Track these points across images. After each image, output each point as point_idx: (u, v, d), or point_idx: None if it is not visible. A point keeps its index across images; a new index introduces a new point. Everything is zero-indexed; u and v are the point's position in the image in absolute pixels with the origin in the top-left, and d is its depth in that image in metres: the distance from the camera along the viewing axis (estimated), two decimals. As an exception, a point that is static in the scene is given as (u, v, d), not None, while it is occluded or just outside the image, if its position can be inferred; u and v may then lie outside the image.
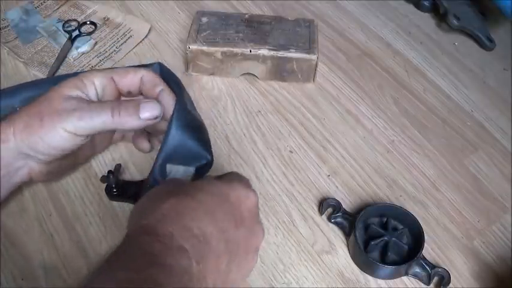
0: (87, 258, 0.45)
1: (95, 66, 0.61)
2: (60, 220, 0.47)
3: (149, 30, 0.65)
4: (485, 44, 0.66)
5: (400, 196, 0.51)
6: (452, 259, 0.47)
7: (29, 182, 0.47)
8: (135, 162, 0.52)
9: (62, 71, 0.60)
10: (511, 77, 0.64)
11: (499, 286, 0.45)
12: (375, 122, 0.58)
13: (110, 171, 0.47)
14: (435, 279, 0.45)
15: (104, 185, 0.48)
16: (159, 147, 0.46)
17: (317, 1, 0.72)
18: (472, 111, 0.60)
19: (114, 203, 0.48)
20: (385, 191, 0.51)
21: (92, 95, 0.44)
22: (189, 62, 0.60)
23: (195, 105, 0.56)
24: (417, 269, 0.45)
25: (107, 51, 0.63)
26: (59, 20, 0.66)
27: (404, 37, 0.68)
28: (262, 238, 0.38)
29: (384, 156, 0.54)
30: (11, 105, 0.52)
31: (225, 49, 0.58)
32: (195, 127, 0.48)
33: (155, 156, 0.46)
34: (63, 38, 0.63)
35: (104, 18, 0.67)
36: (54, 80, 0.56)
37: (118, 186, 0.48)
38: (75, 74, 0.50)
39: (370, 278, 0.45)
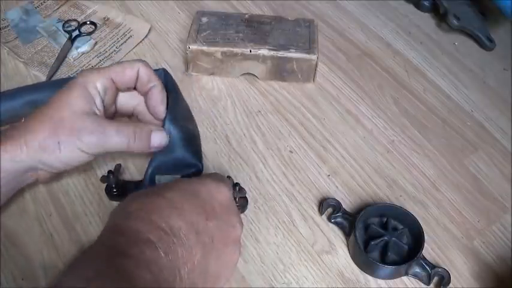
0: (87, 258, 0.45)
1: (95, 66, 0.61)
2: (60, 220, 0.47)
3: (149, 30, 0.65)
4: (485, 44, 0.66)
5: (400, 196, 0.51)
6: (452, 259, 0.47)
7: (31, 183, 0.47)
8: (135, 162, 0.52)
9: (62, 71, 0.60)
10: (511, 77, 0.64)
11: (499, 286, 0.45)
12: (375, 122, 0.58)
13: (110, 171, 0.47)
14: (435, 279, 0.45)
15: (104, 185, 0.48)
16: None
17: (317, 1, 0.72)
18: (472, 111, 0.60)
19: (114, 203, 0.48)
20: (385, 191, 0.51)
21: (99, 104, 0.44)
22: (189, 62, 0.60)
23: (195, 105, 0.57)
24: (417, 269, 0.45)
25: (107, 51, 0.63)
26: (59, 20, 0.66)
27: (404, 37, 0.68)
28: (240, 230, 0.39)
29: (384, 156, 0.54)
30: (12, 108, 0.52)
31: (225, 49, 0.58)
32: (186, 138, 0.48)
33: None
34: (63, 38, 0.63)
35: (104, 18, 0.67)
36: (56, 83, 0.56)
37: (118, 186, 0.48)
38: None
39: (370, 278, 0.45)
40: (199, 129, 0.54)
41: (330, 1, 0.72)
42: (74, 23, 0.66)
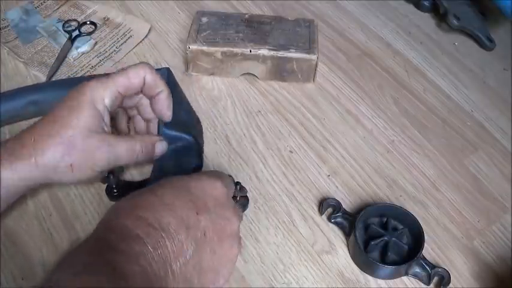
0: (87, 258, 0.45)
1: (95, 66, 0.61)
2: (60, 219, 0.47)
3: (149, 30, 0.65)
4: (485, 44, 0.66)
5: (400, 196, 0.51)
6: (452, 259, 0.47)
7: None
8: (138, 166, 0.52)
9: (62, 71, 0.60)
10: (511, 77, 0.64)
11: (499, 286, 0.45)
12: (375, 122, 0.58)
13: (110, 172, 0.47)
14: (435, 279, 0.45)
15: (104, 186, 0.48)
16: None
17: (317, 1, 0.72)
18: (472, 111, 0.60)
19: (112, 203, 0.48)
20: (385, 191, 0.51)
21: (107, 120, 0.44)
22: (189, 62, 0.60)
23: (195, 105, 0.57)
24: (417, 269, 0.45)
25: (107, 51, 0.63)
26: (59, 20, 0.66)
27: (404, 37, 0.68)
28: (236, 224, 0.39)
29: (384, 156, 0.54)
30: (14, 108, 0.52)
31: (225, 49, 0.58)
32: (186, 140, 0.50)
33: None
34: (63, 38, 0.63)
35: (104, 18, 0.67)
36: (57, 83, 0.57)
37: (119, 187, 0.48)
38: (80, 79, 0.50)
39: (370, 278, 0.45)
40: (200, 129, 0.54)
41: (330, 1, 0.72)
42: (74, 23, 0.66)
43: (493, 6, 0.65)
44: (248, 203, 0.48)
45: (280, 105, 0.58)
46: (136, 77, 0.45)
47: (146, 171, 0.50)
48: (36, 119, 0.44)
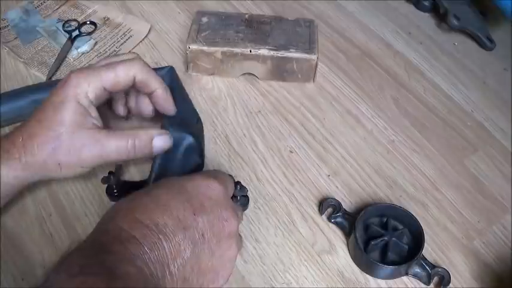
0: (87, 258, 0.45)
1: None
2: (60, 220, 0.47)
3: (149, 30, 0.65)
4: (485, 44, 0.66)
5: (400, 196, 0.51)
6: (452, 259, 0.47)
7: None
8: (136, 162, 0.52)
9: (62, 71, 0.60)
10: (511, 77, 0.64)
11: (499, 286, 0.45)
12: (375, 122, 0.58)
13: (110, 172, 0.47)
14: (435, 279, 0.45)
15: (104, 186, 0.48)
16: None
17: (317, 1, 0.72)
18: (472, 111, 0.60)
19: (112, 203, 0.48)
20: (385, 191, 0.51)
21: (94, 113, 0.43)
22: (189, 62, 0.60)
23: (195, 105, 0.57)
24: (417, 269, 0.45)
25: (107, 51, 0.63)
26: (59, 20, 0.66)
27: (404, 37, 0.68)
28: (235, 224, 0.39)
29: (384, 156, 0.54)
30: (18, 107, 0.53)
31: (225, 49, 0.58)
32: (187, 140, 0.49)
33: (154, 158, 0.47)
34: (63, 38, 0.63)
35: (104, 18, 0.67)
36: None
37: (119, 187, 0.48)
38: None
39: (370, 278, 0.45)
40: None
41: (330, 1, 0.72)
42: (74, 23, 0.66)
43: (493, 6, 0.65)
44: (248, 202, 0.48)
45: (280, 105, 0.58)
46: (125, 75, 0.43)
47: (147, 171, 0.50)
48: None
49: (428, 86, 0.62)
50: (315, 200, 0.50)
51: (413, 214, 0.46)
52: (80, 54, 0.62)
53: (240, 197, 0.46)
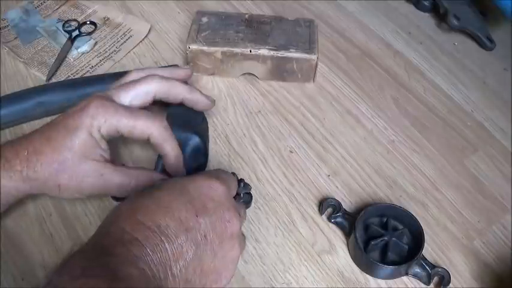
0: (87, 258, 0.45)
1: (95, 66, 0.61)
2: (60, 220, 0.47)
3: (149, 30, 0.65)
4: (485, 44, 0.66)
5: (400, 196, 0.51)
6: (452, 259, 0.47)
7: None
8: (135, 161, 0.52)
9: (62, 71, 0.60)
10: (511, 77, 0.64)
11: (499, 286, 0.45)
12: (375, 122, 0.58)
13: None
14: (435, 279, 0.45)
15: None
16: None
17: (317, 1, 0.72)
18: (472, 111, 0.60)
19: (114, 203, 0.48)
20: (385, 191, 0.51)
21: (104, 146, 0.44)
22: (189, 62, 0.60)
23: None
24: (417, 269, 0.45)
25: (107, 51, 0.63)
26: (59, 20, 0.66)
27: (404, 37, 0.68)
28: (237, 225, 0.39)
29: (383, 156, 0.54)
30: (23, 109, 0.53)
31: (225, 49, 0.58)
32: (192, 143, 0.49)
33: (154, 156, 0.47)
34: (63, 38, 0.63)
35: (104, 18, 0.67)
36: (64, 84, 0.57)
37: None
38: (89, 79, 0.51)
39: (370, 278, 0.45)
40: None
41: (330, 1, 0.72)
42: (74, 23, 0.66)
43: (493, 6, 0.65)
44: (252, 199, 0.48)
45: (280, 105, 0.58)
46: (141, 132, 0.44)
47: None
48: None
49: (428, 86, 0.62)
50: (315, 200, 0.50)
51: (413, 214, 0.46)
52: (80, 54, 0.62)
53: (243, 194, 0.46)
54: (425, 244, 0.44)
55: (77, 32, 0.64)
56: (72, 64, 0.61)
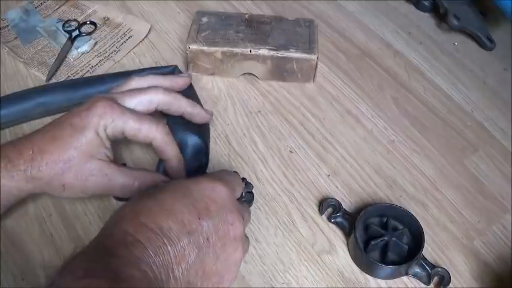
0: (87, 258, 0.45)
1: (95, 66, 0.61)
2: (60, 220, 0.47)
3: (149, 30, 0.65)
4: (485, 44, 0.66)
5: (400, 196, 0.51)
6: (452, 259, 0.47)
7: None
8: (136, 162, 0.52)
9: (62, 71, 0.60)
10: (511, 77, 0.64)
11: (499, 286, 0.45)
12: (375, 122, 0.58)
13: None
14: (435, 279, 0.45)
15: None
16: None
17: (317, 1, 0.72)
18: (472, 111, 0.60)
19: (114, 202, 0.48)
20: (385, 191, 0.51)
21: (109, 146, 0.44)
22: (189, 62, 0.60)
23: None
24: (417, 269, 0.45)
25: (107, 51, 0.63)
26: (59, 20, 0.66)
27: (404, 37, 0.68)
28: (240, 228, 0.38)
29: (384, 156, 0.54)
30: (24, 109, 0.53)
31: (225, 49, 0.58)
32: (194, 145, 0.50)
33: (153, 156, 0.46)
34: (63, 38, 0.63)
35: (104, 18, 0.67)
36: (65, 84, 0.57)
37: None
38: (89, 79, 0.52)
39: (370, 278, 0.45)
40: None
41: (330, 1, 0.72)
42: (74, 23, 0.66)
43: (493, 6, 0.65)
44: (253, 198, 0.48)
45: (280, 105, 0.58)
46: (145, 136, 0.45)
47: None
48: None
49: (428, 86, 0.62)
50: (315, 200, 0.50)
51: (413, 214, 0.46)
52: (80, 54, 0.62)
53: (245, 194, 0.46)
54: (425, 244, 0.44)
55: (77, 32, 0.64)
56: (72, 64, 0.61)
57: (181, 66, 0.61)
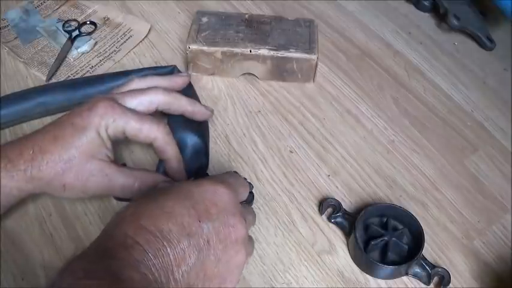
0: (87, 258, 0.45)
1: (95, 66, 0.61)
2: (60, 220, 0.47)
3: (149, 30, 0.65)
4: (485, 44, 0.66)
5: (400, 196, 0.51)
6: (452, 259, 0.47)
7: None
8: (136, 161, 0.52)
9: (62, 71, 0.60)
10: (511, 77, 0.64)
11: (499, 286, 0.45)
12: (375, 122, 0.58)
13: None
14: (435, 279, 0.45)
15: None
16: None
17: (317, 1, 0.72)
18: (472, 111, 0.60)
19: (114, 202, 0.48)
20: (385, 191, 0.51)
21: (109, 146, 0.44)
22: (189, 62, 0.60)
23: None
24: (417, 269, 0.45)
25: (107, 51, 0.63)
26: (59, 20, 0.66)
27: (404, 37, 0.68)
28: (242, 230, 0.38)
29: (384, 156, 0.54)
30: (24, 109, 0.53)
31: (225, 49, 0.58)
32: (193, 145, 0.50)
33: (153, 156, 0.46)
34: (63, 38, 0.63)
35: (104, 18, 0.67)
36: (65, 84, 0.57)
37: None
38: (88, 79, 0.52)
39: (370, 278, 0.45)
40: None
41: (330, 1, 0.72)
42: (74, 23, 0.66)
43: (493, 6, 0.65)
44: (253, 198, 0.48)
45: (280, 105, 0.58)
46: (146, 136, 0.45)
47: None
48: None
49: (428, 86, 0.62)
50: (315, 200, 0.50)
51: (413, 214, 0.46)
52: (80, 54, 0.62)
53: None
54: (425, 244, 0.44)
55: (77, 32, 0.64)
56: (72, 64, 0.61)
57: (181, 66, 0.61)
